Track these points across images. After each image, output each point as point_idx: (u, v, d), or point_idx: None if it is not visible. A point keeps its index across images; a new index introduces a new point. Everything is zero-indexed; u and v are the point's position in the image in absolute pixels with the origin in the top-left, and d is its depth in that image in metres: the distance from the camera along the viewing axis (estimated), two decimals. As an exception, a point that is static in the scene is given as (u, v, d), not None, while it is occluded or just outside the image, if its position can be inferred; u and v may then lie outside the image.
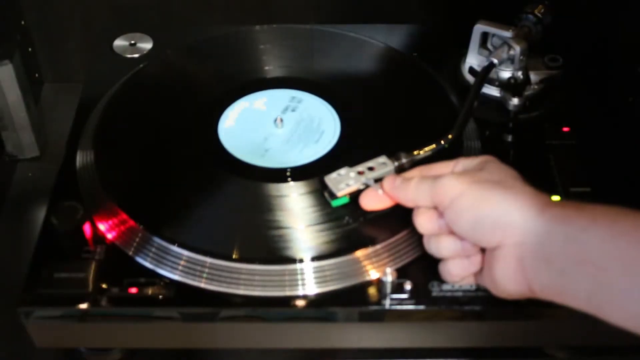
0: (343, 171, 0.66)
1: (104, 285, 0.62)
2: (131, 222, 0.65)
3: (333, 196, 0.65)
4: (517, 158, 0.73)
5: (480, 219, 0.55)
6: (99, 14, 0.95)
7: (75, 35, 0.97)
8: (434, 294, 0.61)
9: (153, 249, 0.63)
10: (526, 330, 0.64)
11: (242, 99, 0.77)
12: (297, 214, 0.66)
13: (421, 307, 0.61)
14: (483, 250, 0.58)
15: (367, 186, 0.65)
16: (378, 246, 0.63)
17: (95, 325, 0.62)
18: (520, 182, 0.58)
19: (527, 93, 0.76)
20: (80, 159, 0.72)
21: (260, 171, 0.70)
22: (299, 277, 0.61)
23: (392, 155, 0.66)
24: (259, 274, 0.61)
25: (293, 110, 0.76)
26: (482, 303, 0.61)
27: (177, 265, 0.62)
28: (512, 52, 0.75)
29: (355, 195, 0.65)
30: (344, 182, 0.65)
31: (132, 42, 0.85)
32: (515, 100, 0.75)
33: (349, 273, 0.62)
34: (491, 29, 0.77)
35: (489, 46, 0.78)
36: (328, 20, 0.93)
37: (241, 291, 0.61)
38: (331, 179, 0.66)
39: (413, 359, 0.69)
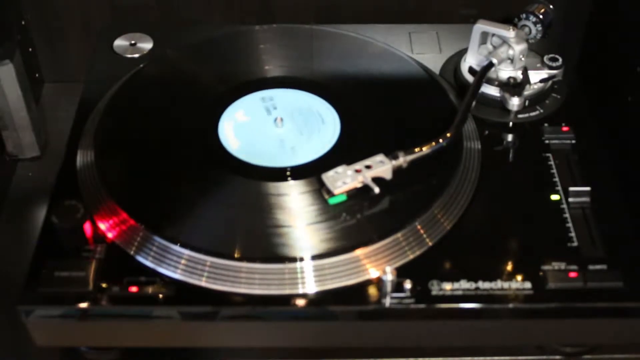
0: (340, 169, 0.66)
1: (104, 284, 0.62)
2: (132, 221, 0.65)
3: (330, 194, 0.65)
4: (517, 158, 0.73)
5: None
6: (99, 14, 0.95)
7: (75, 35, 0.97)
8: (434, 292, 0.61)
9: (154, 248, 0.63)
10: (526, 329, 0.64)
11: (222, 119, 0.75)
12: (297, 212, 0.66)
13: (421, 305, 0.61)
14: None
15: (364, 184, 0.65)
16: (378, 245, 0.63)
17: (96, 324, 0.63)
18: None
19: (526, 93, 0.76)
20: (80, 158, 0.72)
21: (260, 170, 0.70)
22: (299, 275, 0.62)
23: (390, 154, 0.66)
24: (259, 273, 0.62)
25: (275, 108, 0.76)
26: (482, 302, 0.61)
27: (178, 264, 0.62)
28: (511, 52, 0.75)
29: (352, 193, 0.66)
30: (341, 179, 0.65)
31: (132, 42, 0.85)
32: (514, 100, 0.75)
33: (349, 272, 0.62)
34: (491, 29, 0.77)
35: (489, 46, 0.78)
36: (328, 20, 0.93)
37: (241, 290, 0.61)
38: (328, 176, 0.66)
39: (413, 358, 0.69)
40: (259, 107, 0.76)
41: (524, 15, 0.78)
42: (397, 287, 0.61)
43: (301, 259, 0.62)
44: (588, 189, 0.68)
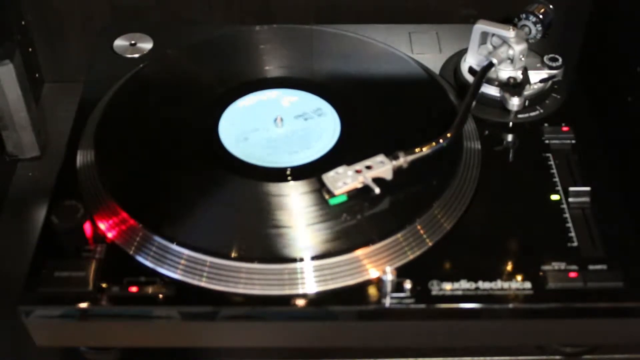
0: (341, 169, 0.66)
1: (104, 284, 0.62)
2: (131, 221, 0.65)
3: (331, 194, 0.65)
4: (516, 158, 0.73)
5: None
6: (99, 14, 0.95)
7: (75, 35, 0.97)
8: (434, 292, 0.61)
9: (153, 248, 0.63)
10: (526, 329, 0.64)
11: (275, 89, 0.77)
12: (297, 213, 0.66)
13: (421, 306, 0.61)
14: None
15: (364, 184, 0.65)
16: (378, 245, 0.63)
17: (96, 324, 0.63)
18: None
19: (526, 93, 0.76)
20: (80, 158, 0.72)
21: (261, 170, 0.70)
22: (299, 276, 0.62)
23: (390, 154, 0.67)
24: (259, 273, 0.62)
25: (306, 119, 0.75)
26: (482, 302, 0.61)
27: (178, 264, 0.62)
28: (511, 52, 0.75)
29: (353, 194, 0.66)
30: (341, 180, 0.65)
31: (132, 42, 0.85)
32: (514, 100, 0.75)
33: (349, 272, 0.62)
34: (491, 29, 0.77)
35: (489, 46, 0.78)
36: (328, 20, 0.93)
37: (241, 290, 0.61)
38: (329, 177, 0.66)
39: (413, 358, 0.69)
40: (305, 108, 0.76)
41: (524, 15, 0.78)
42: (397, 287, 0.61)
43: (301, 260, 0.62)
44: (588, 189, 0.68)
